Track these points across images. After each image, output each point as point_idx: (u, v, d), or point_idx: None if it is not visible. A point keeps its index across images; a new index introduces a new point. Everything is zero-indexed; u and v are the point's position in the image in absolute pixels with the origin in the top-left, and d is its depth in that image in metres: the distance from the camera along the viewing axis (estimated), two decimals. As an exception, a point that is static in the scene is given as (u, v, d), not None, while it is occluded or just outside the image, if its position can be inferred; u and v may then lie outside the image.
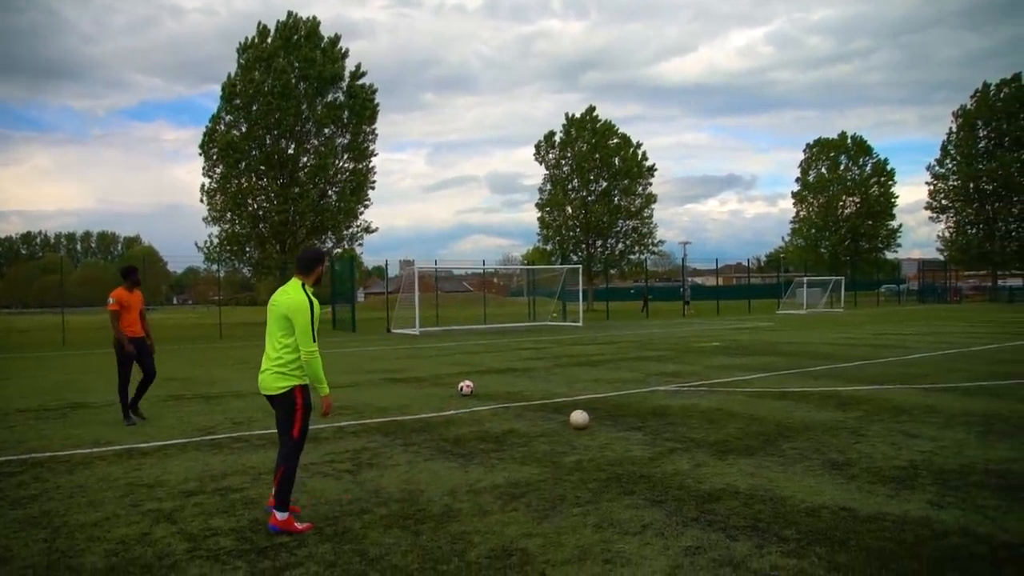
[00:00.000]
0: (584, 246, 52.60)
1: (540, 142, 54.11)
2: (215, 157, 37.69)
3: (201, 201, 38.44)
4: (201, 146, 38.08)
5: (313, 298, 4.78)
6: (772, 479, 5.66)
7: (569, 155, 52.96)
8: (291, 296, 4.75)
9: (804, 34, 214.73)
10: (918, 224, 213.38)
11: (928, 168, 60.53)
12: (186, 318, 53.57)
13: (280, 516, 4.66)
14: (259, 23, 38.35)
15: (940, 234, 60.93)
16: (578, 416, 7.86)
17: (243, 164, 37.76)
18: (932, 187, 60.22)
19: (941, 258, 61.81)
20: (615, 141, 52.57)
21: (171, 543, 4.51)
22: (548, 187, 53.82)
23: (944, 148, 59.60)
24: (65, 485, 5.96)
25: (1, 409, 10.22)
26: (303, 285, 4.83)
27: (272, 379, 4.73)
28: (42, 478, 6.21)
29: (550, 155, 53.86)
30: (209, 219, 38.56)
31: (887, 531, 4.43)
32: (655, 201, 53.41)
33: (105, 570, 4.10)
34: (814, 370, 12.86)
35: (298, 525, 4.68)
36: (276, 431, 4.93)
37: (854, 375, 12.02)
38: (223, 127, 37.75)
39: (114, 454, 7.09)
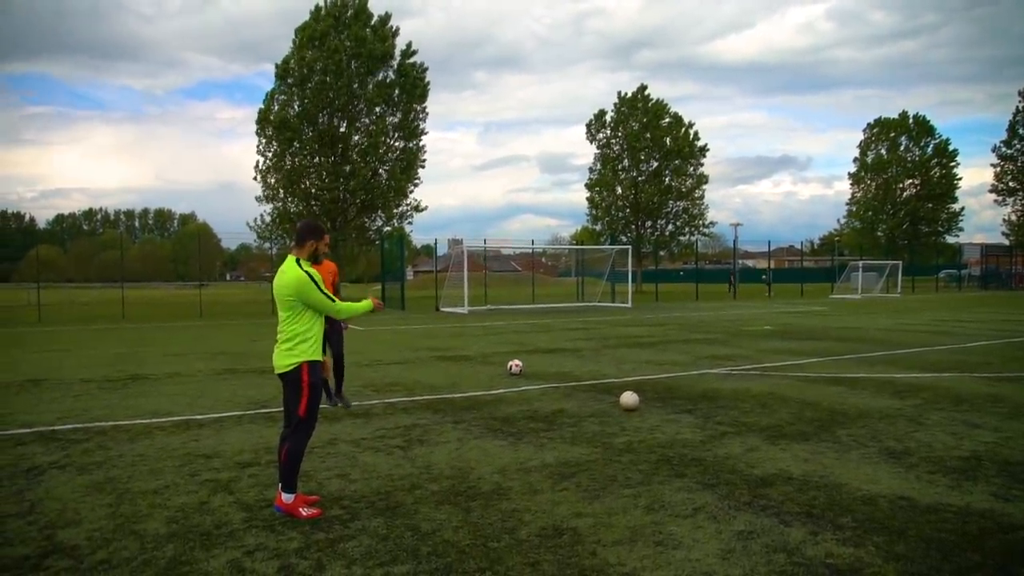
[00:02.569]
0: (634, 227, 52.14)
1: (591, 121, 53.71)
2: (270, 136, 38.24)
3: (255, 179, 39.08)
4: (257, 123, 38.66)
5: (309, 269, 4.70)
6: (826, 465, 5.55)
7: (620, 134, 52.44)
8: (287, 275, 4.66)
9: (867, 9, 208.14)
10: (982, 207, 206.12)
11: (994, 149, 58.42)
12: (238, 294, 54.77)
13: (286, 498, 4.57)
14: (315, 4, 38.67)
15: (1006, 217, 58.82)
16: (628, 397, 7.81)
17: (296, 143, 38.24)
18: (998, 169, 58.08)
19: (1006, 243, 59.63)
20: (667, 121, 51.89)
21: (228, 512, 4.63)
22: (598, 167, 53.44)
23: (1012, 128, 57.36)
24: (127, 453, 6.16)
25: (67, 379, 10.60)
26: (297, 260, 4.74)
27: (280, 357, 4.70)
28: (106, 446, 6.43)
29: (600, 134, 53.43)
30: (263, 198, 39.22)
31: (948, 522, 4.30)
32: (706, 182, 52.72)
33: (167, 536, 4.23)
34: (869, 356, 12.55)
35: (303, 511, 4.54)
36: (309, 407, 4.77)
37: (911, 362, 11.70)
38: (277, 106, 38.26)
39: (172, 425, 7.30)
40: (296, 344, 4.67)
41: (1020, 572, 3.61)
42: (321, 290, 4.67)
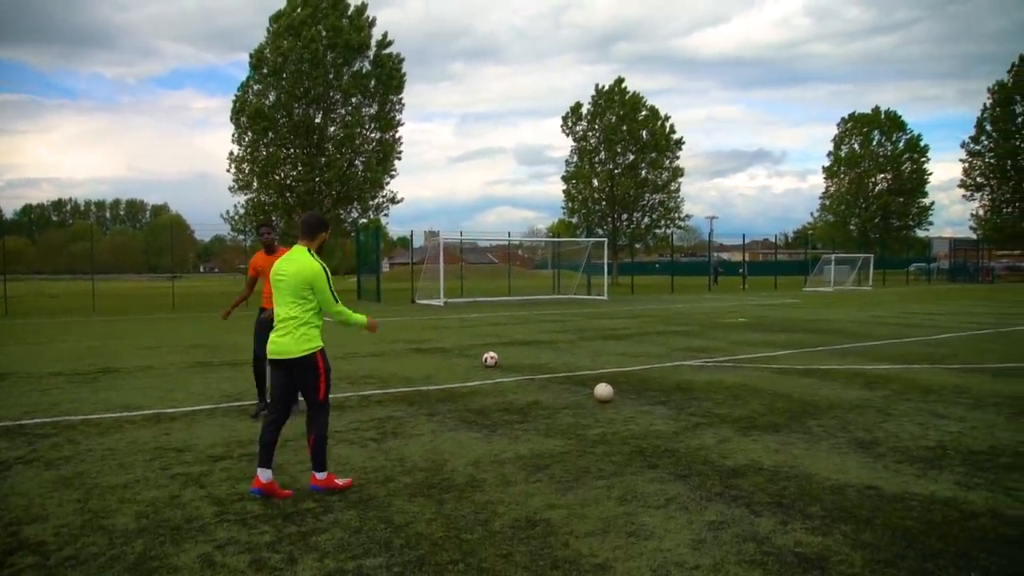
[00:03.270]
0: (610, 219, 52.30)
1: (567, 114, 53.72)
2: (244, 126, 37.82)
3: (228, 170, 38.66)
4: (233, 113, 38.21)
5: (322, 262, 4.86)
6: (797, 456, 5.63)
7: (597, 127, 52.51)
8: (302, 264, 4.75)
9: (843, 5, 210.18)
10: (952, 202, 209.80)
11: (963, 145, 59.27)
12: (212, 286, 54.21)
13: (320, 476, 4.84)
14: (291, -7, 38.22)
15: (974, 212, 59.74)
16: (602, 389, 7.86)
17: (271, 133, 37.85)
18: (967, 164, 58.99)
19: (974, 237, 60.65)
20: (644, 114, 52.02)
21: (199, 506, 4.59)
22: (575, 159, 53.50)
23: (980, 124, 58.20)
24: (97, 448, 6.08)
25: (35, 372, 10.44)
26: (309, 251, 4.86)
27: (293, 344, 4.74)
28: (75, 440, 6.34)
29: (577, 127, 53.45)
30: (236, 187, 38.79)
31: (914, 511, 4.38)
32: (682, 175, 52.99)
33: (136, 531, 4.19)
34: (841, 348, 12.73)
35: (338, 481, 4.89)
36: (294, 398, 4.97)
37: (881, 354, 11.88)
38: (252, 96, 37.84)
39: (143, 418, 7.21)
40: (310, 329, 4.81)
41: (980, 558, 3.69)
42: (331, 287, 4.83)
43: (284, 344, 4.78)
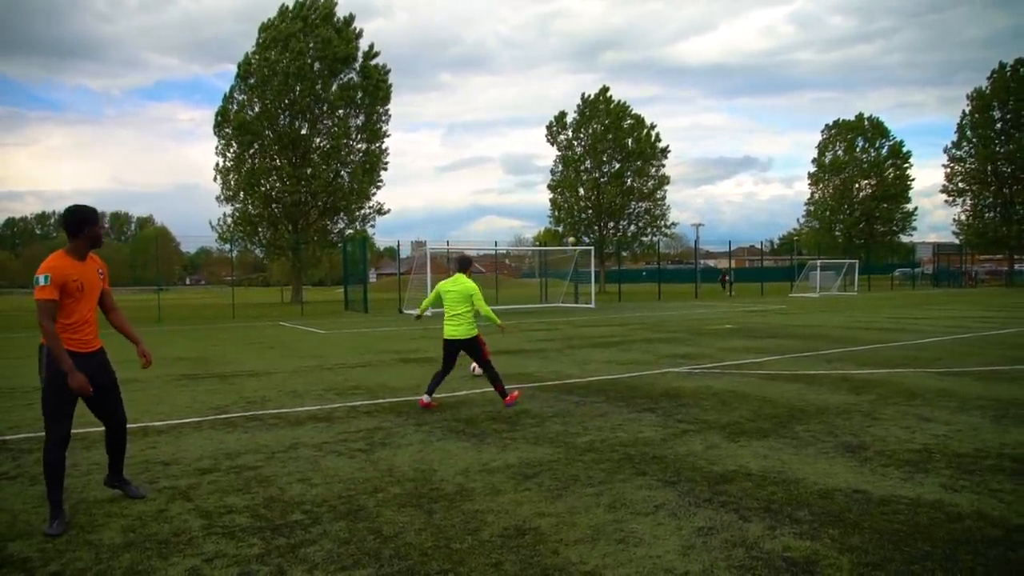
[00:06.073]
0: (596, 228, 52.45)
1: (551, 123, 53.94)
2: (229, 136, 37.74)
3: (215, 180, 38.59)
4: (215, 125, 38.14)
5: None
6: (785, 461, 5.65)
7: (582, 136, 52.71)
8: (465, 284, 8.22)
9: (827, 13, 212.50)
10: (935, 207, 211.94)
11: (945, 151, 59.93)
12: (199, 298, 53.88)
13: (507, 398, 8.02)
14: (281, 4, 38.26)
15: (956, 217, 60.34)
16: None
17: (257, 144, 37.79)
18: (949, 170, 59.59)
19: (957, 242, 61.25)
20: (629, 122, 52.29)
21: (187, 520, 4.56)
22: (560, 168, 53.64)
23: (961, 130, 58.87)
24: (82, 462, 6.03)
25: (19, 387, 10.34)
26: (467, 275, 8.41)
27: (465, 330, 8.06)
28: (60, 455, 6.27)
29: (562, 136, 53.64)
30: (222, 198, 38.69)
31: (900, 514, 4.41)
32: (668, 183, 53.33)
33: (123, 545, 4.15)
34: (827, 353, 12.80)
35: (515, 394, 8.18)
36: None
37: (867, 358, 11.96)
38: (236, 107, 37.77)
39: (129, 432, 7.11)
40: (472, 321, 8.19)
41: (966, 560, 3.72)
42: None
43: (457, 331, 8.16)
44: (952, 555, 3.78)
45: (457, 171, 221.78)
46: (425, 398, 8.01)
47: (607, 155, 51.95)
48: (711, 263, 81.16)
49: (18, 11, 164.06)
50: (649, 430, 6.85)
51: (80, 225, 4.61)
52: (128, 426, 5.17)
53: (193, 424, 7.51)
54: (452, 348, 8.13)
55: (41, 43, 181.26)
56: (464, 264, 8.55)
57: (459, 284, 8.15)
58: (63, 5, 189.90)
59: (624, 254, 55.10)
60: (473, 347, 8.12)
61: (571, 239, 48.95)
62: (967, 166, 58.63)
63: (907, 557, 3.77)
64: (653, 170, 52.91)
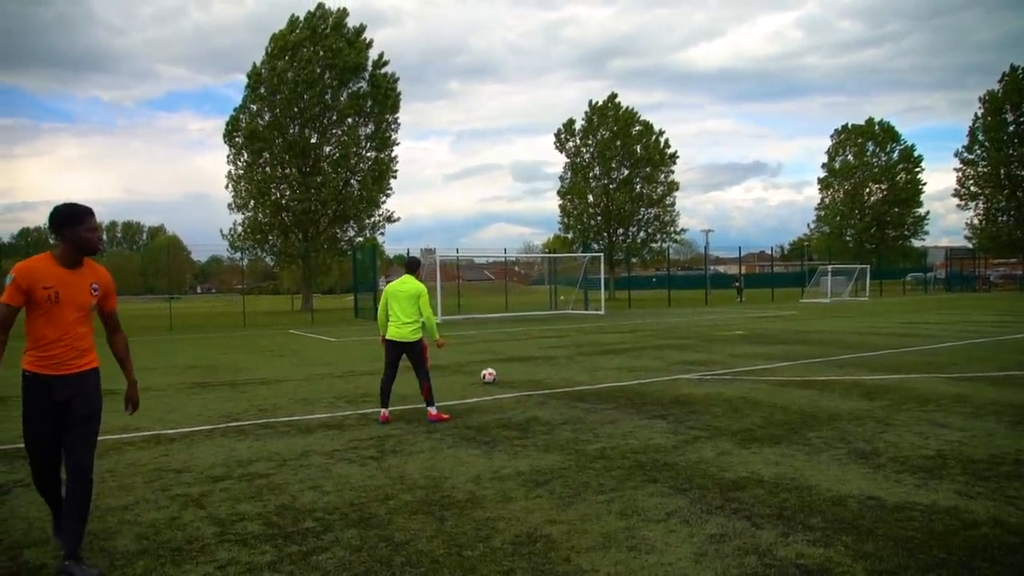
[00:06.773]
0: (605, 234, 52.40)
1: (560, 130, 54.00)
2: (239, 145, 37.99)
3: (226, 188, 38.82)
4: (225, 135, 38.39)
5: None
6: (797, 468, 5.62)
7: (591, 143, 52.73)
8: (414, 284, 8.14)
9: (835, 17, 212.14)
10: (947, 211, 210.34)
11: (956, 154, 59.57)
12: (211, 307, 54.13)
13: (433, 411, 7.87)
14: (292, 14, 38.57)
15: (969, 221, 59.95)
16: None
17: (267, 153, 38.01)
18: (961, 173, 59.25)
19: (969, 246, 60.84)
20: (637, 128, 52.27)
21: (200, 527, 4.58)
22: (569, 175, 53.67)
23: (972, 134, 58.54)
24: (96, 470, 6.04)
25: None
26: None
27: (410, 331, 8.00)
28: (73, 463, 6.30)
29: (570, 143, 53.68)
30: (233, 206, 38.92)
31: (915, 521, 4.38)
32: (677, 189, 53.23)
33: (137, 553, 4.17)
34: (839, 359, 12.74)
35: (445, 416, 7.94)
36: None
37: (880, 364, 11.89)
38: (247, 116, 38.02)
39: (142, 440, 7.19)
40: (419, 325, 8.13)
41: (982, 567, 3.68)
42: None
43: (401, 333, 8.11)
44: (968, 562, 3.75)
45: (466, 179, 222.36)
46: (384, 412, 7.88)
47: (616, 161, 51.91)
48: (721, 269, 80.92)
49: (31, 26, 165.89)
50: (660, 437, 6.83)
51: (59, 226, 3.88)
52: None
53: (205, 432, 7.54)
54: (395, 349, 8.10)
55: (55, 56, 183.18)
56: (413, 266, 8.48)
57: (407, 284, 8.09)
58: (78, 19, 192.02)
59: (634, 260, 55.00)
60: (415, 350, 8.05)
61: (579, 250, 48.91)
62: (979, 169, 58.26)
63: (922, 564, 3.74)
64: (662, 176, 52.85)
